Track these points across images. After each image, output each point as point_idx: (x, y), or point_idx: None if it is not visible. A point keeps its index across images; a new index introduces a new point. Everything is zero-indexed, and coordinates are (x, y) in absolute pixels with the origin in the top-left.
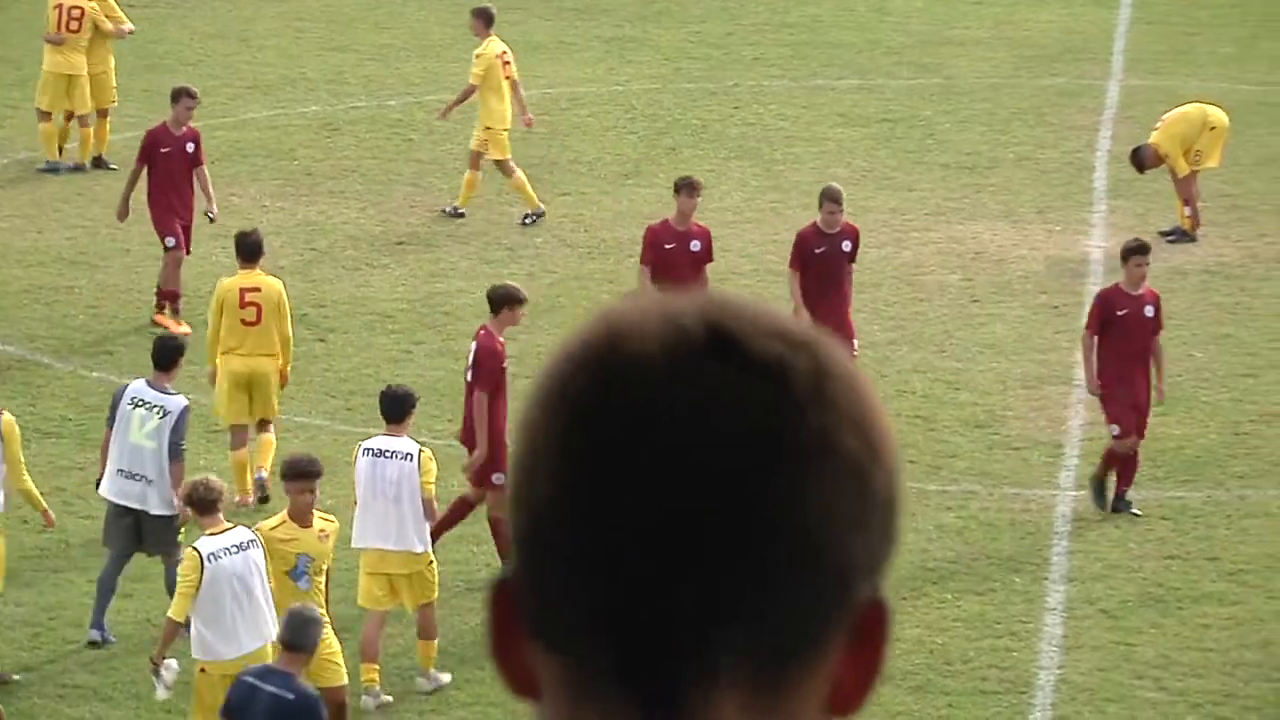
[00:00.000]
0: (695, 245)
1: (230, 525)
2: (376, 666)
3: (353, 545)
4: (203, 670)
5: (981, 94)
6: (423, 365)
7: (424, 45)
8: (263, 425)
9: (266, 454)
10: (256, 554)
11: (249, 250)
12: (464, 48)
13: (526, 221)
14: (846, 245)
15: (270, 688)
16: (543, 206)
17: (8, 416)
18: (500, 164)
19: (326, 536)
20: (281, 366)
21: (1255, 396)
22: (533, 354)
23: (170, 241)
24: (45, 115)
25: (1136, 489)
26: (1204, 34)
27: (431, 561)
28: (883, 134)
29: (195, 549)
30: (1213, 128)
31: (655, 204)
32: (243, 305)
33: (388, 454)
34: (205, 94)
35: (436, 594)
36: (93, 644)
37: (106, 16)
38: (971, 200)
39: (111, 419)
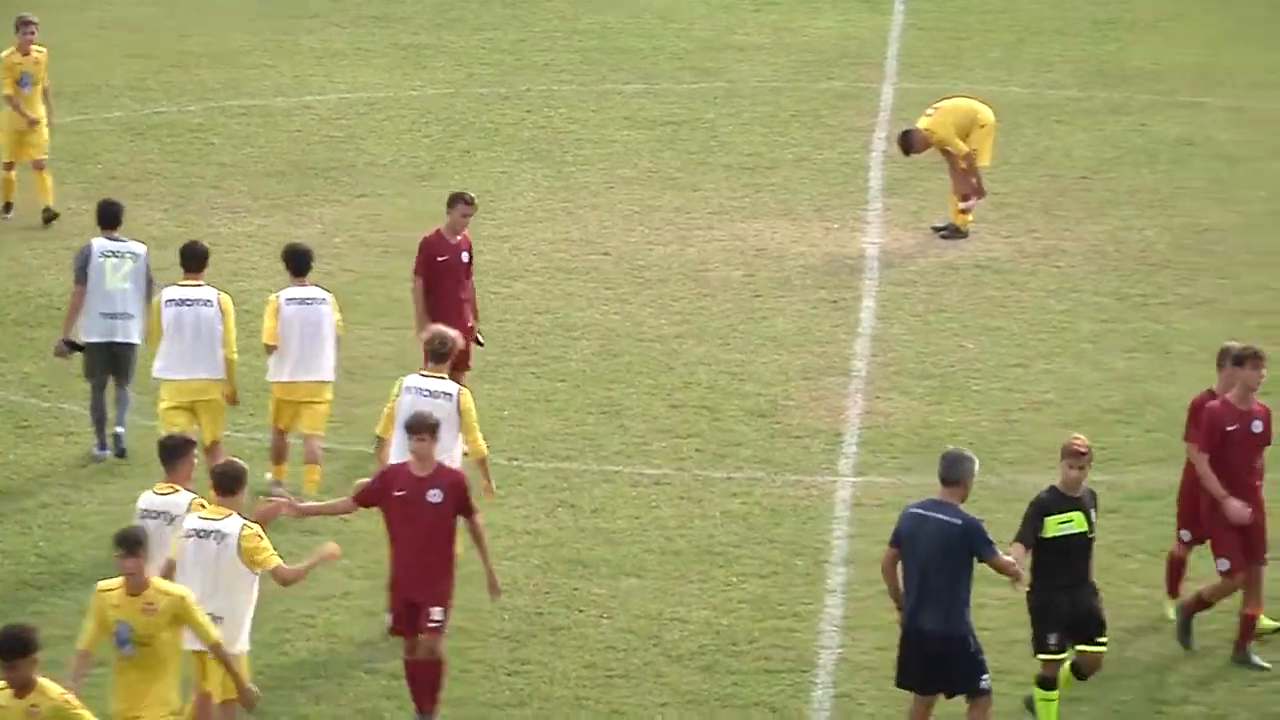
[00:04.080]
0: (1257, 426)
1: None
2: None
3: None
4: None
5: (762, 97)
6: None
7: (223, 52)
8: None
9: None
10: None
11: None
12: (263, 54)
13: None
14: (1262, 422)
15: (939, 515)
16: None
17: (224, 295)
18: None
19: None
20: None
21: (1024, 385)
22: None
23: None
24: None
25: (915, 474)
26: (973, 39)
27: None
28: (667, 136)
29: None
30: (982, 125)
31: None
32: None
33: (305, 300)
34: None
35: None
36: (96, 459)
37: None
38: (753, 199)
39: (82, 275)
